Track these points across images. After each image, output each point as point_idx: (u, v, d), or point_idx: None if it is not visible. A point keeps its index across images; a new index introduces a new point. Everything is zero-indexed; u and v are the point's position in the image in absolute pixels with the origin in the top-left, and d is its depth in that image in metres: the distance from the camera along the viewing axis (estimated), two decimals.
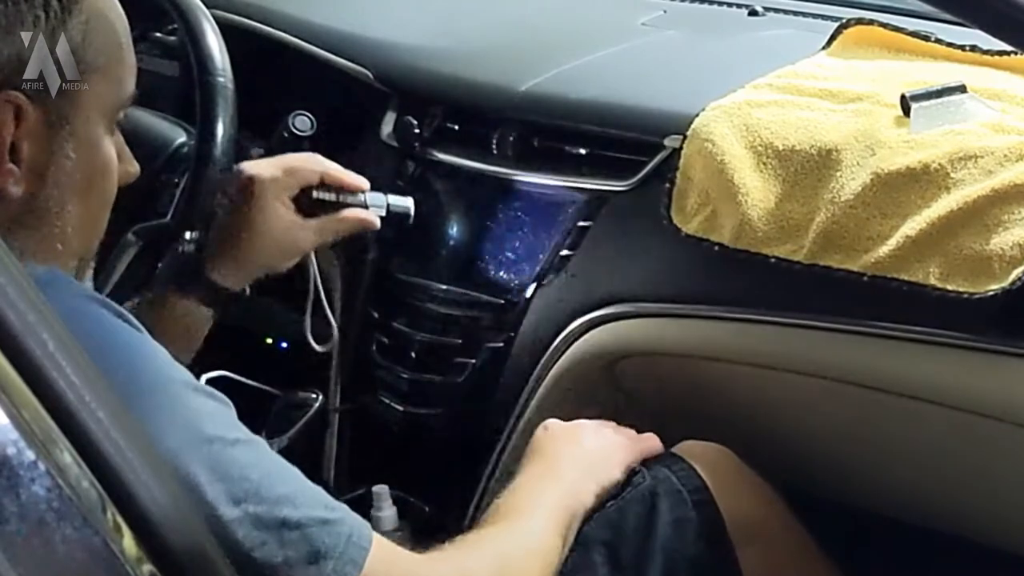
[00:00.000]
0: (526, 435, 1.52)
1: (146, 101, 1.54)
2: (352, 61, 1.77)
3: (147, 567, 0.75)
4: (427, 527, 1.57)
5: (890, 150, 1.29)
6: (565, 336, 1.50)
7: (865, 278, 1.27)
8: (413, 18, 1.90)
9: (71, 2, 1.01)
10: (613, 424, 1.36)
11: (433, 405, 1.62)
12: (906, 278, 1.24)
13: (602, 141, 1.54)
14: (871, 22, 1.57)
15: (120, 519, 0.74)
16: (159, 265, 1.41)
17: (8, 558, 0.69)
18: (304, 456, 1.63)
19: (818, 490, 1.47)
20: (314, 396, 1.65)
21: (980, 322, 1.22)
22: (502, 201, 1.60)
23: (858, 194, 1.28)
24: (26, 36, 0.99)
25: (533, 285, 1.55)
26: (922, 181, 1.26)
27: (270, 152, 1.55)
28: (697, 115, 1.41)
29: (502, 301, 1.57)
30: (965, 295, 1.21)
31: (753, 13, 1.86)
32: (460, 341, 1.60)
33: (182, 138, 1.63)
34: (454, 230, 1.62)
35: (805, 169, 1.33)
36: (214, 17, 1.49)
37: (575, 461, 1.26)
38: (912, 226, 1.24)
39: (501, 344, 1.57)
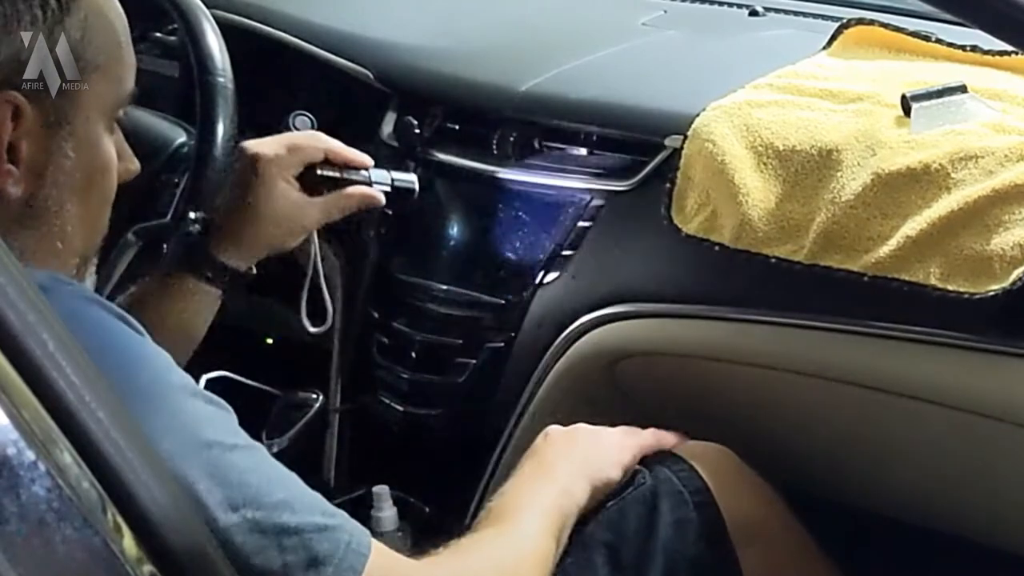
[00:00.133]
0: (526, 435, 1.52)
1: (146, 101, 1.54)
2: (352, 61, 1.77)
3: (147, 567, 0.75)
4: (427, 527, 1.57)
5: (891, 150, 1.29)
6: (565, 336, 1.50)
7: (865, 278, 1.27)
8: (413, 18, 1.90)
9: (69, 0, 1.01)
10: (622, 428, 1.35)
11: (433, 405, 1.62)
12: (906, 278, 1.24)
13: (602, 141, 1.54)
14: (872, 22, 1.57)
15: (120, 519, 0.74)
16: (165, 247, 1.40)
17: (8, 558, 0.69)
18: (304, 456, 1.63)
19: (818, 490, 1.47)
20: (314, 396, 1.65)
21: (980, 322, 1.22)
22: (502, 201, 1.59)
23: (859, 194, 1.28)
24: (25, 36, 0.98)
25: (533, 285, 1.55)
26: (923, 181, 1.26)
27: None
28: (697, 115, 1.41)
29: (502, 301, 1.57)
30: (966, 295, 1.21)
31: (754, 13, 1.86)
32: (460, 341, 1.60)
33: (182, 138, 1.63)
34: (454, 230, 1.62)
35: (805, 169, 1.33)
36: (214, 17, 1.49)
37: (568, 461, 1.25)
38: (913, 226, 1.24)
39: (501, 344, 1.57)
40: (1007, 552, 1.39)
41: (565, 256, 1.53)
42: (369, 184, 1.43)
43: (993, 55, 1.47)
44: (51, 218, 1.03)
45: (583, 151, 1.56)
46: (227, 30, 1.50)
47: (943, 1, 1.03)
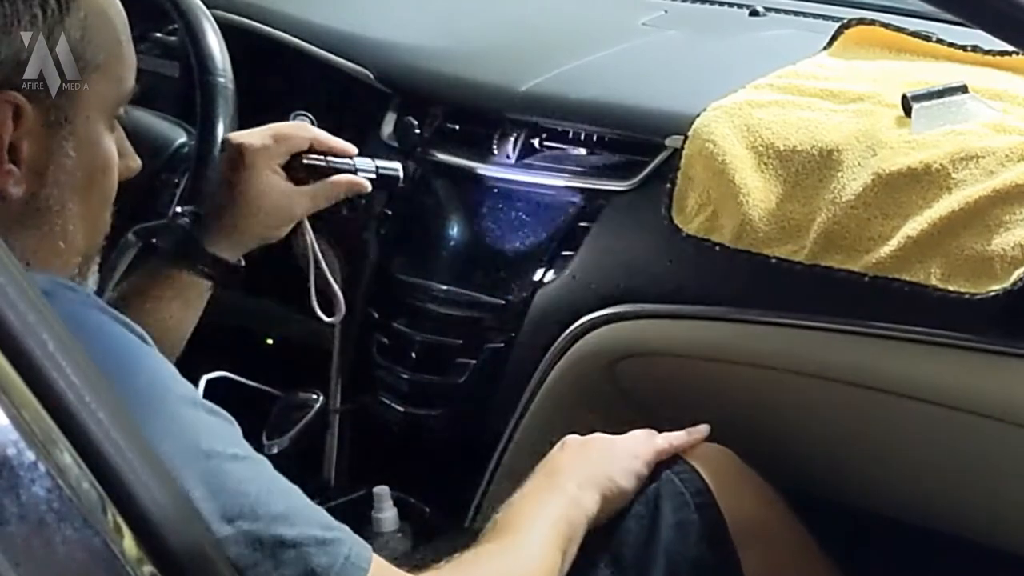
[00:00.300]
0: (527, 436, 1.53)
1: (146, 101, 1.54)
2: (352, 61, 1.77)
3: (147, 568, 0.75)
4: (428, 528, 1.57)
5: (891, 150, 1.29)
6: (566, 337, 1.50)
7: (866, 278, 1.27)
8: (413, 18, 1.90)
9: (69, 0, 1.01)
10: (647, 431, 1.34)
11: (434, 406, 1.62)
12: (907, 278, 1.24)
13: (603, 141, 1.54)
14: (872, 22, 1.57)
15: (120, 520, 0.74)
16: (156, 240, 1.40)
17: (8, 559, 0.69)
18: (304, 457, 1.63)
19: (818, 490, 1.47)
20: (315, 397, 1.65)
21: (981, 323, 1.22)
22: (503, 201, 1.60)
23: (859, 194, 1.28)
24: (25, 36, 0.98)
25: (533, 285, 1.55)
26: (923, 181, 1.26)
27: None
28: (698, 115, 1.41)
29: (503, 301, 1.57)
30: (966, 295, 1.21)
31: (754, 13, 1.86)
32: (461, 342, 1.59)
33: (182, 138, 1.63)
34: (455, 230, 1.62)
35: (806, 169, 1.33)
36: (214, 17, 1.49)
37: (579, 472, 1.24)
38: (913, 226, 1.24)
39: (502, 345, 1.57)
40: (1007, 552, 1.39)
41: (565, 256, 1.53)
42: (354, 172, 1.43)
43: (994, 55, 1.47)
44: (53, 217, 1.03)
45: (583, 151, 1.56)
46: (227, 30, 1.50)
47: (944, 1, 1.03)
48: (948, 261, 1.22)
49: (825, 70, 1.50)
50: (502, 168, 1.59)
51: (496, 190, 1.60)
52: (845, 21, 1.59)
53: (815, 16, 1.82)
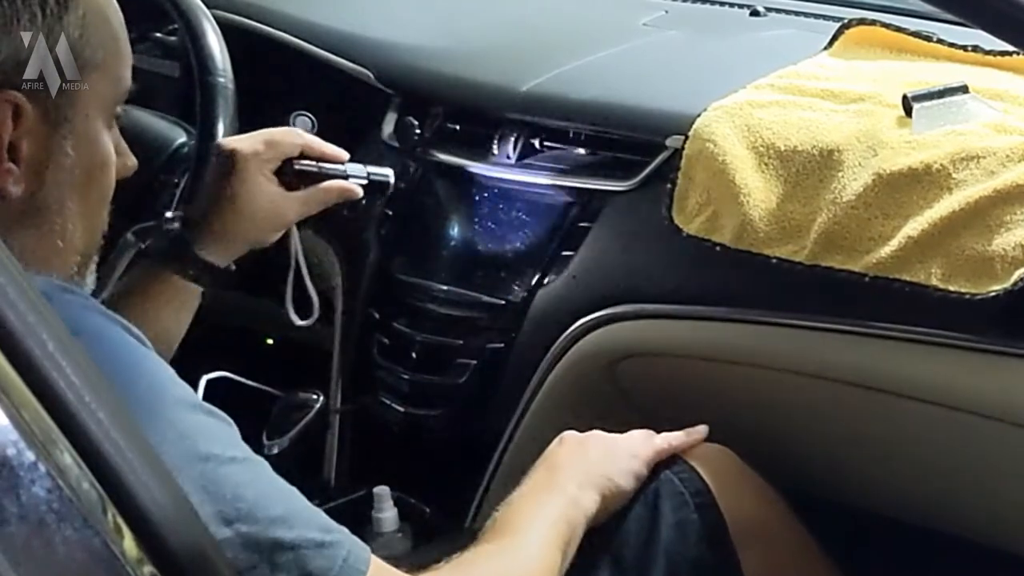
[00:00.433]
0: (527, 436, 1.53)
1: (146, 101, 1.55)
2: (353, 61, 1.77)
3: (148, 568, 0.75)
4: (428, 528, 1.57)
5: (892, 150, 1.29)
6: (566, 337, 1.49)
7: (867, 279, 1.27)
8: (414, 18, 1.89)
9: None
10: (646, 431, 1.34)
11: (434, 406, 1.62)
12: (908, 279, 1.24)
13: (603, 141, 1.54)
14: (873, 22, 1.57)
15: (121, 520, 0.74)
16: (144, 244, 1.40)
17: (8, 559, 0.69)
18: (305, 457, 1.63)
19: (818, 490, 1.47)
20: (315, 397, 1.65)
21: (981, 323, 1.22)
22: (503, 201, 1.59)
23: (860, 195, 1.28)
24: (25, 36, 0.98)
25: (534, 285, 1.55)
26: (924, 182, 1.26)
27: None
28: (699, 115, 1.41)
29: (503, 302, 1.57)
30: (967, 296, 1.21)
31: (755, 13, 1.86)
32: (461, 342, 1.59)
33: (182, 138, 1.63)
34: (455, 230, 1.62)
35: (807, 170, 1.33)
36: (214, 17, 1.49)
37: (578, 470, 1.24)
38: (914, 227, 1.24)
39: (502, 345, 1.57)
40: (1007, 552, 1.39)
41: (565, 256, 1.53)
42: (345, 178, 1.43)
43: (994, 55, 1.47)
44: (52, 216, 1.03)
45: (583, 151, 1.56)
46: (227, 30, 1.50)
47: (944, 1, 1.03)
48: (949, 261, 1.22)
49: (826, 70, 1.49)
50: (502, 168, 1.59)
51: (496, 190, 1.60)
52: (846, 21, 1.59)
53: (816, 16, 1.81)
